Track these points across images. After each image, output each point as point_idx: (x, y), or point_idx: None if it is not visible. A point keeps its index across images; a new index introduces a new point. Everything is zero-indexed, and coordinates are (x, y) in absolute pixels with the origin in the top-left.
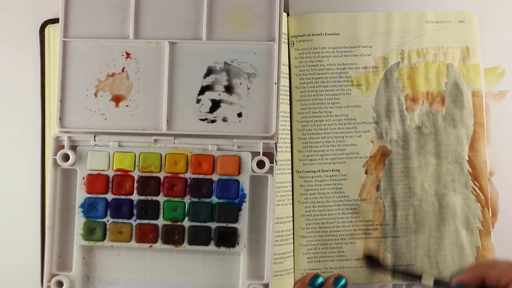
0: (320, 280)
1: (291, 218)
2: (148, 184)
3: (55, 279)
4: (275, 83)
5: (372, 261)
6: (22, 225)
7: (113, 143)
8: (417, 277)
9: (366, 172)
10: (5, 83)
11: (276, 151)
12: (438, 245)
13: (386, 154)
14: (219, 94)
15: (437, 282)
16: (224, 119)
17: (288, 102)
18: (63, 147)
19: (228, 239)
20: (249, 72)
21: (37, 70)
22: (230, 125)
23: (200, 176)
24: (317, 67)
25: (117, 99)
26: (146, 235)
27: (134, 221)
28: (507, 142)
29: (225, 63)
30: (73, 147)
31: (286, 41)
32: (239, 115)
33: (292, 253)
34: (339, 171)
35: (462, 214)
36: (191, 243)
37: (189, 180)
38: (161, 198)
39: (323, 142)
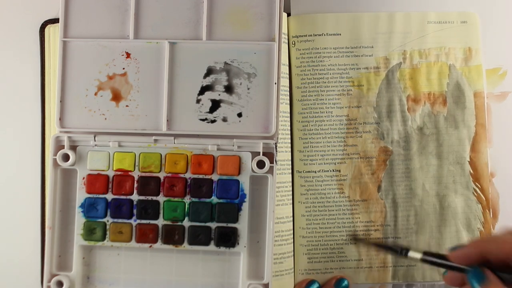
0: (315, 285)
1: (291, 218)
2: (148, 184)
3: (55, 279)
4: (275, 83)
5: (356, 240)
6: (22, 225)
7: (113, 143)
8: (403, 250)
9: (367, 173)
10: (5, 83)
11: (276, 151)
12: (439, 246)
13: (387, 155)
14: (219, 94)
15: (427, 255)
16: (224, 119)
17: (288, 102)
18: (63, 147)
19: (228, 239)
20: (249, 72)
21: (37, 70)
22: (230, 125)
23: (200, 176)
24: (319, 67)
25: (117, 99)
26: (146, 235)
27: (134, 221)
28: (508, 143)
29: (225, 63)
30: (73, 147)
31: (286, 41)
32: (239, 115)
33: (292, 253)
34: (339, 171)
35: (463, 215)
36: (191, 243)
37: (189, 180)
38: (161, 198)
39: (324, 142)
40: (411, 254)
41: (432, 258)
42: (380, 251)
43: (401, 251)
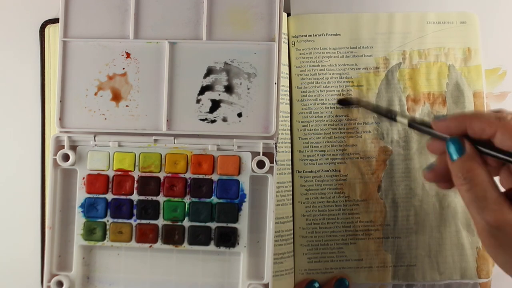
0: (315, 285)
1: (291, 218)
2: (148, 184)
3: (55, 279)
4: (275, 83)
5: (344, 102)
6: (22, 225)
7: (113, 143)
8: (392, 113)
9: (367, 173)
10: (5, 83)
11: (276, 151)
12: (438, 246)
13: (387, 155)
14: (219, 94)
15: (414, 121)
16: (224, 119)
17: (288, 102)
18: (63, 147)
19: (228, 239)
20: (249, 72)
21: (37, 70)
22: (230, 125)
23: (200, 176)
24: (318, 68)
25: (117, 99)
26: (146, 235)
27: (134, 221)
28: None
29: (225, 63)
30: (73, 147)
31: (286, 41)
32: (239, 115)
33: (292, 253)
34: (339, 171)
35: (462, 215)
36: (191, 243)
37: (189, 180)
38: (161, 198)
39: (323, 142)
40: (399, 119)
41: (417, 124)
42: (368, 113)
43: (390, 115)
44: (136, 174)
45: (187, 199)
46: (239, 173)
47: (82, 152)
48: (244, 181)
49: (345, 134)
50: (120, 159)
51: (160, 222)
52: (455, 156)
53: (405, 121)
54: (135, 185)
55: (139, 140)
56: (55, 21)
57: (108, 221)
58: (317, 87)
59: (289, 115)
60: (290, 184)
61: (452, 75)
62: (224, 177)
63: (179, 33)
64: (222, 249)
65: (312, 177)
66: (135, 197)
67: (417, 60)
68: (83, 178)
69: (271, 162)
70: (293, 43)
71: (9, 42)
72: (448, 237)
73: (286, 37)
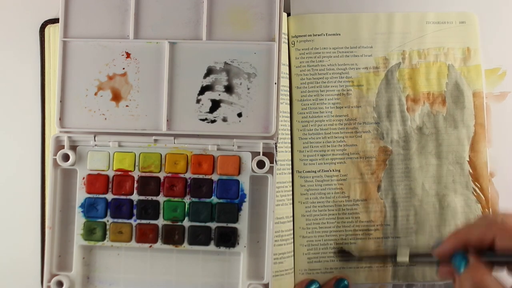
0: (315, 285)
1: (291, 218)
2: (148, 184)
3: (55, 279)
4: (275, 83)
5: (344, 254)
6: (22, 225)
7: (113, 143)
8: (391, 257)
9: (366, 173)
10: (5, 83)
11: (276, 151)
12: None
13: (387, 155)
14: (219, 94)
15: (414, 256)
16: (224, 119)
17: (288, 102)
18: (63, 147)
19: (228, 239)
20: (249, 72)
21: (37, 70)
22: (230, 125)
23: (200, 176)
24: (318, 67)
25: (117, 99)
26: (146, 235)
27: (134, 221)
28: (507, 143)
29: (225, 63)
30: (73, 147)
31: (286, 41)
32: (239, 115)
33: (292, 253)
34: (339, 171)
35: (462, 215)
36: (191, 243)
37: (189, 180)
38: (161, 198)
39: (323, 142)
40: (399, 259)
41: (419, 259)
42: (370, 262)
43: (390, 259)
44: (136, 174)
45: (187, 199)
46: (239, 173)
47: (82, 152)
48: (244, 181)
49: (345, 134)
50: (120, 159)
51: (160, 222)
52: (461, 269)
53: (406, 259)
54: (135, 185)
55: (139, 140)
56: (55, 21)
57: (108, 221)
58: (317, 87)
59: (289, 115)
60: (290, 184)
61: (452, 75)
62: (224, 177)
63: (179, 33)
64: (222, 249)
65: (312, 177)
66: (135, 197)
67: (417, 60)
68: (83, 178)
69: (271, 162)
70: (293, 43)
71: (9, 42)
72: None
73: (286, 37)
